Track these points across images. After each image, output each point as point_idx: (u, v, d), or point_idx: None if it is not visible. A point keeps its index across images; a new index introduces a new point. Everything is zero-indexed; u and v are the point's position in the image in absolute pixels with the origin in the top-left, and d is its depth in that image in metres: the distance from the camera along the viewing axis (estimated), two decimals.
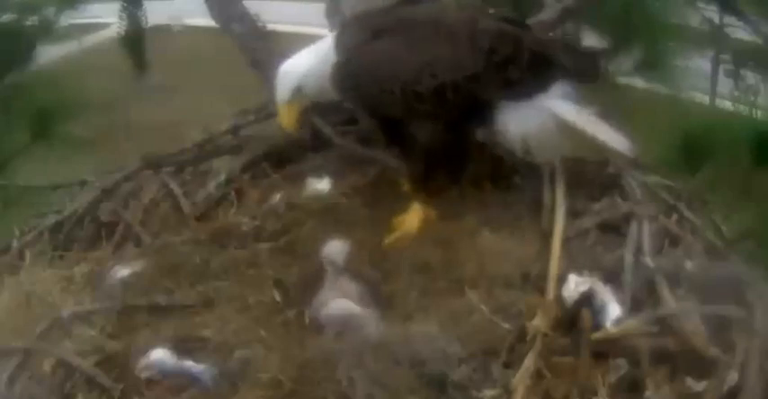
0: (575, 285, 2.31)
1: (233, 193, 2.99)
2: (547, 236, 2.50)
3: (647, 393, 2.11)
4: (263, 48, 3.58)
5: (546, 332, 2.20)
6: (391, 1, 2.75)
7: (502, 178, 2.76)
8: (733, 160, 3.73)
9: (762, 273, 2.40)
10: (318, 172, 2.91)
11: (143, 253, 2.74)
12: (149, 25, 5.48)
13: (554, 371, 2.15)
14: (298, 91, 2.62)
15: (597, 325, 2.23)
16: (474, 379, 2.11)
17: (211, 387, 2.21)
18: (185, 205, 2.94)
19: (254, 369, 2.20)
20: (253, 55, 3.60)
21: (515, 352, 2.18)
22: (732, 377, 2.12)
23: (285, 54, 3.44)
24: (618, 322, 2.22)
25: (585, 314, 2.24)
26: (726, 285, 2.32)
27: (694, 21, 4.82)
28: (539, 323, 2.21)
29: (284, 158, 3.07)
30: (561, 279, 2.34)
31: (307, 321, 2.45)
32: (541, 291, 2.33)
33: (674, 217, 2.66)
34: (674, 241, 2.56)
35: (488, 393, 2.10)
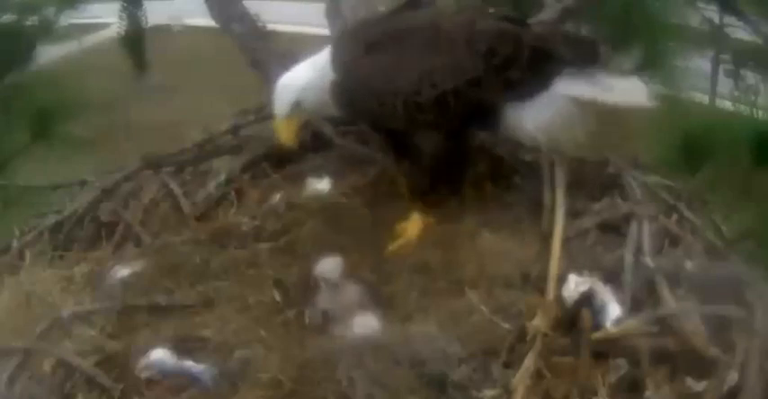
0: (575, 285, 2.31)
1: (233, 193, 2.99)
2: (547, 237, 2.50)
3: (647, 393, 2.11)
4: (263, 48, 3.58)
5: (546, 332, 2.20)
6: (392, 3, 2.75)
7: (502, 178, 2.76)
8: (733, 160, 3.73)
9: (762, 273, 2.40)
10: (318, 172, 2.91)
11: (143, 253, 2.74)
12: (149, 25, 5.48)
13: (554, 371, 2.15)
14: (297, 105, 2.58)
15: (597, 325, 2.23)
16: (474, 379, 2.11)
17: (211, 387, 2.21)
18: (185, 205, 2.94)
19: (254, 369, 2.20)
20: (253, 55, 3.60)
21: (515, 352, 2.18)
22: (732, 377, 2.12)
23: (285, 54, 3.46)
24: (618, 322, 2.22)
25: (585, 314, 2.24)
26: (726, 285, 2.32)
27: (694, 21, 4.82)
28: (539, 323, 2.21)
29: (284, 158, 3.07)
30: (561, 279, 2.34)
31: (307, 321, 2.45)
32: (541, 291, 2.33)
33: (674, 217, 2.66)
34: (674, 241, 2.56)
35: (488, 393, 2.10)
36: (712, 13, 5.11)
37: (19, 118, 4.61)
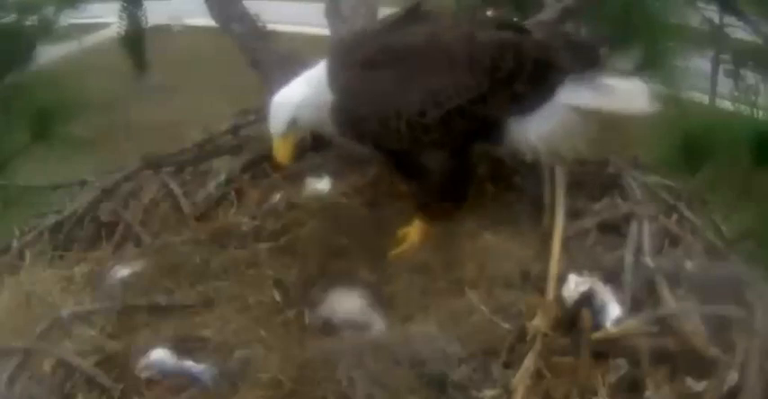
0: (575, 285, 2.31)
1: (233, 193, 2.99)
2: (547, 237, 2.50)
3: (647, 393, 2.11)
4: (263, 48, 3.58)
5: (546, 332, 2.20)
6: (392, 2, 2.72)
7: (502, 179, 2.76)
8: (733, 160, 3.73)
9: (762, 273, 2.40)
10: (318, 172, 2.91)
11: (143, 253, 2.74)
12: (149, 25, 5.48)
13: (554, 371, 2.15)
14: (293, 123, 2.51)
15: (597, 325, 2.23)
16: (474, 379, 2.11)
17: (211, 387, 2.21)
18: (185, 205, 2.94)
19: (254, 369, 2.20)
20: (253, 55, 3.60)
21: (515, 352, 2.18)
22: (732, 377, 2.12)
23: (285, 54, 3.45)
24: (618, 322, 2.22)
25: (585, 314, 2.24)
26: (726, 285, 2.32)
27: (694, 21, 4.82)
28: (539, 323, 2.21)
29: None
30: (561, 279, 2.34)
31: (306, 321, 2.45)
32: (541, 291, 2.33)
33: (674, 217, 2.66)
34: (674, 241, 2.55)
35: (488, 393, 2.10)
36: (712, 13, 5.11)
37: (19, 118, 4.61)
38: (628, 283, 2.33)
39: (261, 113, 3.17)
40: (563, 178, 2.67)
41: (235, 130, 3.24)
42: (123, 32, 5.37)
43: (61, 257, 2.86)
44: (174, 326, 2.40)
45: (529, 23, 3.52)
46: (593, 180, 2.78)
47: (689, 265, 2.40)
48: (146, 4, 5.37)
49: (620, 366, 2.16)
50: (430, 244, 2.58)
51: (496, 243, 2.48)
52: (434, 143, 2.48)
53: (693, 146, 3.72)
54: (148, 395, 2.22)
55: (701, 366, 2.16)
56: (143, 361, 2.26)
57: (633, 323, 2.22)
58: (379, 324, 2.38)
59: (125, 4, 5.29)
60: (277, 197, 2.88)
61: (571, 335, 2.23)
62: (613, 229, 2.57)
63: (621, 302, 2.28)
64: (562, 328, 2.24)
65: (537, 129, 2.49)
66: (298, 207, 2.81)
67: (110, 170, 3.20)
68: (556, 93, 2.48)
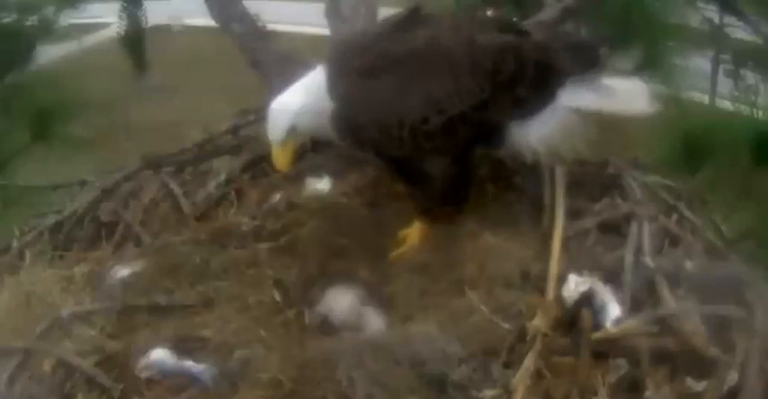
0: (575, 285, 2.31)
1: (233, 193, 2.99)
2: (547, 236, 2.50)
3: (647, 393, 2.11)
4: (263, 48, 3.58)
5: (546, 332, 2.20)
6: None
7: (502, 179, 2.76)
8: (733, 160, 3.73)
9: (762, 273, 2.40)
10: (318, 172, 2.91)
11: (143, 253, 2.74)
12: (149, 25, 5.48)
13: (554, 371, 2.15)
14: (292, 130, 2.48)
15: (597, 325, 2.23)
16: (474, 379, 2.11)
17: (211, 387, 2.21)
18: (185, 205, 2.94)
19: (254, 369, 2.20)
20: (253, 55, 3.60)
21: (515, 352, 2.18)
22: (732, 377, 2.12)
23: (285, 54, 3.45)
24: (618, 322, 2.22)
25: (585, 314, 2.24)
26: (726, 285, 2.32)
27: (694, 21, 4.83)
28: (539, 323, 2.21)
29: None
30: (561, 279, 2.34)
31: (306, 321, 2.45)
32: (541, 291, 2.33)
33: (674, 217, 2.66)
34: (674, 241, 2.55)
35: (488, 393, 2.10)
36: (712, 13, 5.11)
37: (19, 118, 4.61)
38: (628, 283, 2.33)
39: (261, 113, 3.17)
40: (563, 178, 2.67)
41: (235, 130, 3.24)
42: (123, 32, 5.37)
43: (61, 257, 2.86)
44: (174, 326, 2.40)
45: (529, 23, 3.53)
46: (593, 180, 2.78)
47: (689, 265, 2.40)
48: (146, 4, 5.37)
49: (620, 366, 2.16)
50: (430, 245, 2.58)
51: (496, 244, 2.48)
52: (437, 149, 2.47)
53: (693, 146, 3.72)
54: (148, 395, 2.22)
55: (701, 366, 2.15)
56: (143, 361, 2.26)
57: (633, 323, 2.22)
58: (376, 322, 2.38)
59: (125, 4, 5.29)
60: (277, 197, 2.88)
61: (571, 335, 2.23)
62: (613, 229, 2.57)
63: (621, 302, 2.27)
64: (562, 328, 2.24)
65: (537, 132, 2.48)
66: (298, 207, 2.81)
67: (110, 170, 3.20)
68: (557, 96, 2.47)
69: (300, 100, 2.49)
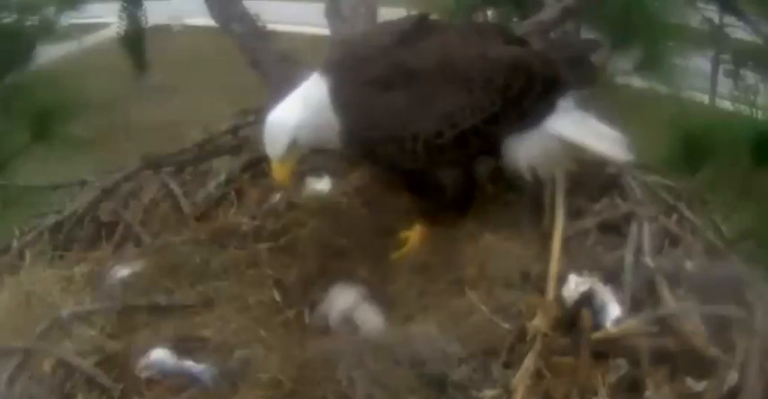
0: (575, 285, 2.31)
1: (233, 193, 2.99)
2: (547, 236, 2.50)
3: (647, 393, 2.11)
4: (263, 48, 3.58)
5: (546, 332, 2.19)
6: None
7: (502, 179, 2.76)
8: (733, 160, 3.73)
9: (762, 273, 2.40)
10: (318, 172, 2.91)
11: (143, 253, 2.74)
12: (149, 25, 5.49)
13: (554, 371, 2.15)
14: (293, 144, 2.43)
15: (597, 325, 2.22)
16: (474, 379, 2.11)
17: (211, 387, 2.21)
18: (185, 205, 2.94)
19: (254, 369, 2.20)
20: (253, 55, 3.60)
21: (515, 352, 2.18)
22: (732, 377, 2.11)
23: (285, 54, 3.45)
24: (618, 322, 2.22)
25: (585, 314, 2.24)
26: (726, 285, 2.32)
27: (694, 21, 4.83)
28: (539, 323, 2.21)
29: None
30: (561, 279, 2.33)
31: (306, 321, 2.45)
32: (541, 291, 2.33)
33: (674, 217, 2.66)
34: (674, 241, 2.55)
35: (488, 393, 2.09)
36: (712, 13, 5.12)
37: (19, 118, 4.62)
38: (628, 283, 2.32)
39: (261, 113, 3.17)
40: (563, 178, 2.67)
41: (235, 130, 3.24)
42: (123, 32, 5.38)
43: (61, 257, 2.86)
44: (174, 326, 2.40)
45: (529, 23, 3.54)
46: (593, 180, 2.78)
47: (689, 265, 2.39)
48: (146, 4, 5.38)
49: (620, 366, 2.16)
50: (430, 245, 2.58)
51: (496, 244, 2.48)
52: (449, 162, 2.49)
53: (693, 146, 3.72)
54: (148, 395, 2.22)
55: (701, 366, 2.15)
56: (143, 361, 2.26)
57: (633, 323, 2.22)
58: (375, 320, 2.38)
59: (125, 4, 5.29)
60: (277, 197, 2.88)
61: (571, 335, 2.23)
62: (613, 229, 2.57)
63: (621, 302, 2.27)
64: (562, 328, 2.23)
65: (525, 154, 2.52)
66: (298, 207, 2.81)
67: (110, 170, 3.20)
68: (556, 107, 2.51)
69: (299, 113, 2.43)
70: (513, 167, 2.55)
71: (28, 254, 2.88)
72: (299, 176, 2.90)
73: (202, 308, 2.47)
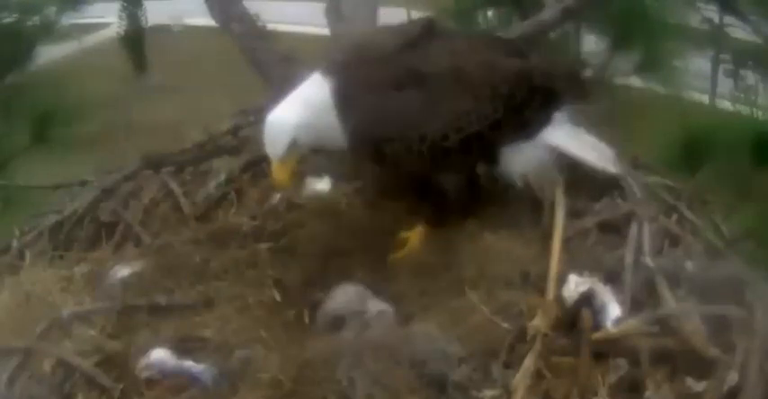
0: (575, 285, 2.31)
1: (233, 193, 2.99)
2: (547, 236, 2.50)
3: (647, 393, 2.11)
4: (263, 48, 3.59)
5: (546, 332, 2.20)
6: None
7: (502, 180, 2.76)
8: (733, 160, 3.73)
9: (762, 273, 2.40)
10: (318, 172, 2.91)
11: (143, 253, 2.74)
12: (149, 25, 5.50)
13: (554, 371, 2.15)
14: (293, 144, 2.43)
15: (597, 325, 2.22)
16: (474, 379, 2.11)
17: (211, 387, 2.20)
18: (185, 205, 2.94)
19: (254, 369, 2.20)
20: (253, 55, 3.61)
21: (515, 352, 2.18)
22: (732, 377, 2.11)
23: (285, 54, 3.45)
24: (618, 322, 2.22)
25: (585, 314, 2.24)
26: (726, 285, 2.32)
27: (694, 21, 4.83)
28: (539, 323, 2.21)
29: None
30: (561, 279, 2.33)
31: (306, 321, 2.45)
32: (541, 291, 2.33)
33: (674, 217, 2.66)
34: (674, 241, 2.55)
35: (488, 393, 2.10)
36: (712, 13, 5.12)
37: (19, 118, 4.62)
38: (628, 283, 2.32)
39: (261, 113, 3.18)
40: (563, 178, 2.67)
41: (235, 130, 3.24)
42: (123, 32, 5.39)
43: (61, 257, 2.86)
44: (174, 326, 2.40)
45: (529, 23, 3.54)
46: (593, 180, 2.78)
47: (689, 265, 2.40)
48: (146, 4, 5.39)
49: (620, 366, 2.16)
50: (430, 245, 2.58)
51: (496, 244, 2.48)
52: (451, 165, 2.54)
53: (693, 146, 3.72)
54: (148, 395, 2.21)
55: (701, 366, 2.15)
56: (143, 361, 2.26)
57: (633, 323, 2.22)
58: (378, 306, 2.38)
59: (125, 4, 5.31)
60: (277, 197, 2.88)
61: (571, 335, 2.23)
62: (613, 229, 2.57)
63: (621, 302, 2.27)
64: (562, 328, 2.24)
65: (519, 164, 2.59)
66: (298, 207, 2.81)
67: (110, 170, 3.20)
68: (553, 119, 2.58)
69: (300, 113, 2.44)
70: (507, 175, 2.61)
71: (28, 254, 2.88)
72: (299, 176, 2.90)
73: (202, 308, 2.47)
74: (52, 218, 3.02)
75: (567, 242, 2.48)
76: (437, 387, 2.10)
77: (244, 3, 3.73)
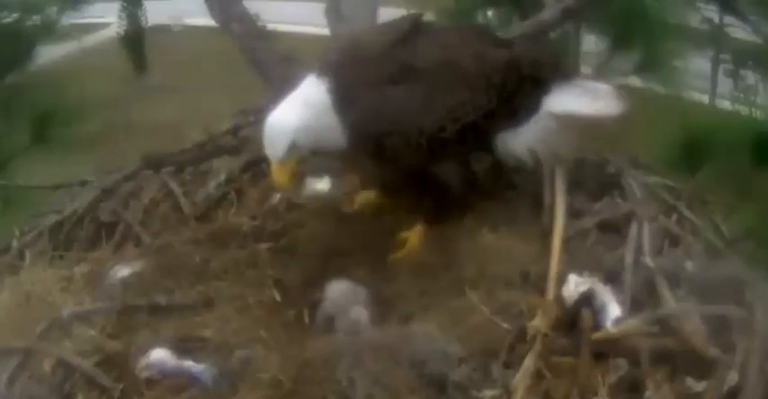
0: (575, 285, 2.31)
1: (233, 193, 2.99)
2: (547, 236, 2.50)
3: (647, 393, 2.11)
4: (263, 48, 3.59)
5: (546, 332, 2.20)
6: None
7: (501, 177, 2.76)
8: (733, 160, 3.73)
9: (762, 273, 2.40)
10: (318, 172, 2.91)
11: (143, 253, 2.74)
12: (149, 25, 5.50)
13: (554, 371, 2.15)
14: (293, 146, 2.43)
15: (597, 325, 2.22)
16: (474, 379, 2.11)
17: (211, 387, 2.20)
18: (185, 205, 2.94)
19: (254, 369, 2.20)
20: (253, 55, 3.61)
21: (515, 352, 2.18)
22: (732, 377, 2.11)
23: (285, 54, 3.45)
24: (618, 322, 2.22)
25: (585, 314, 2.24)
26: (726, 285, 2.32)
27: (694, 21, 4.83)
28: (539, 323, 2.21)
29: None
30: (561, 279, 2.33)
31: (306, 321, 2.45)
32: (541, 291, 2.33)
33: (674, 217, 2.66)
34: (674, 241, 2.55)
35: (488, 393, 2.10)
36: (712, 13, 5.12)
37: (19, 118, 4.62)
38: (628, 283, 2.33)
39: (261, 113, 3.17)
40: (563, 177, 2.67)
41: (235, 130, 3.24)
42: (123, 32, 5.39)
43: (61, 257, 2.86)
44: (174, 326, 2.40)
45: (529, 23, 3.54)
46: (592, 180, 2.78)
47: (689, 265, 2.40)
48: (146, 4, 5.39)
49: (620, 366, 2.16)
50: (430, 245, 2.58)
51: (496, 243, 2.48)
52: (447, 156, 2.55)
53: (693, 146, 3.72)
54: (148, 395, 2.21)
55: (701, 366, 2.15)
56: (143, 361, 2.26)
57: (633, 323, 2.22)
58: (367, 314, 2.38)
59: (125, 4, 5.31)
60: (277, 197, 2.88)
61: (571, 335, 2.23)
62: (613, 229, 2.57)
63: (621, 302, 2.27)
64: (562, 328, 2.24)
65: (521, 139, 2.58)
66: (298, 207, 2.81)
67: (110, 170, 3.20)
68: (541, 105, 2.58)
69: (299, 115, 2.45)
70: (513, 157, 2.60)
71: (28, 254, 2.88)
72: (299, 176, 2.90)
73: (202, 308, 2.47)
74: (52, 218, 3.03)
75: (566, 242, 2.48)
76: (437, 387, 2.10)
77: (244, 3, 3.73)
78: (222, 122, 3.28)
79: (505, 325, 2.24)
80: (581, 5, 3.59)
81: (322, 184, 2.88)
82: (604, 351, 2.19)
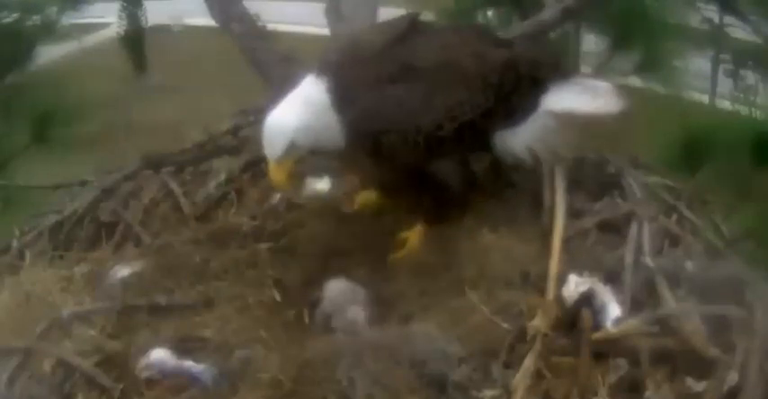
0: (575, 285, 2.31)
1: (233, 193, 2.99)
2: (547, 236, 2.50)
3: (647, 393, 2.11)
4: (263, 48, 3.59)
5: (546, 332, 2.20)
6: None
7: (501, 177, 2.76)
8: (733, 160, 3.73)
9: (762, 273, 2.40)
10: (318, 172, 2.91)
11: (143, 253, 2.74)
12: (149, 25, 5.50)
13: (554, 371, 2.15)
14: (292, 146, 2.44)
15: (597, 325, 2.22)
16: (474, 379, 2.11)
17: (211, 387, 2.20)
18: (185, 205, 2.94)
19: (254, 369, 2.20)
20: (253, 55, 3.61)
21: (515, 352, 2.18)
22: (732, 377, 2.11)
23: (285, 54, 3.45)
24: (618, 322, 2.22)
25: (585, 314, 2.24)
26: (726, 285, 2.32)
27: (694, 21, 4.83)
28: (539, 323, 2.21)
29: None
30: (561, 279, 2.34)
31: (306, 321, 2.45)
32: (541, 291, 2.33)
33: (674, 217, 2.66)
34: (674, 241, 2.55)
35: (488, 393, 2.10)
36: (712, 13, 5.12)
37: (19, 118, 4.62)
38: (628, 283, 2.33)
39: (261, 113, 3.17)
40: (563, 177, 2.67)
41: (235, 130, 3.24)
42: (123, 32, 5.39)
43: (61, 257, 2.86)
44: (174, 326, 2.40)
45: (529, 23, 3.54)
46: (592, 179, 2.78)
47: (689, 265, 2.40)
48: (146, 4, 5.39)
49: (620, 366, 2.16)
50: (430, 245, 2.58)
51: (496, 243, 2.48)
52: (445, 154, 2.55)
53: (693, 146, 3.72)
54: (148, 395, 2.21)
55: (701, 366, 2.15)
56: (143, 361, 2.26)
57: (633, 323, 2.22)
58: (364, 315, 2.38)
59: (125, 4, 5.31)
60: (277, 197, 2.88)
61: (571, 335, 2.23)
62: (613, 229, 2.57)
63: (621, 302, 2.27)
64: (562, 328, 2.24)
65: (519, 138, 2.59)
66: (298, 207, 2.81)
67: (110, 170, 3.20)
68: (539, 104, 2.58)
69: (298, 115, 2.46)
70: (511, 155, 2.60)
71: (28, 254, 2.88)
72: (299, 176, 2.90)
73: (202, 308, 2.47)
74: (52, 218, 3.03)
75: (566, 242, 2.48)
76: (437, 387, 2.10)
77: (244, 3, 3.73)
78: (222, 122, 3.29)
79: (505, 325, 2.24)
80: (581, 5, 3.59)
81: (322, 184, 2.88)
82: (604, 351, 2.19)
